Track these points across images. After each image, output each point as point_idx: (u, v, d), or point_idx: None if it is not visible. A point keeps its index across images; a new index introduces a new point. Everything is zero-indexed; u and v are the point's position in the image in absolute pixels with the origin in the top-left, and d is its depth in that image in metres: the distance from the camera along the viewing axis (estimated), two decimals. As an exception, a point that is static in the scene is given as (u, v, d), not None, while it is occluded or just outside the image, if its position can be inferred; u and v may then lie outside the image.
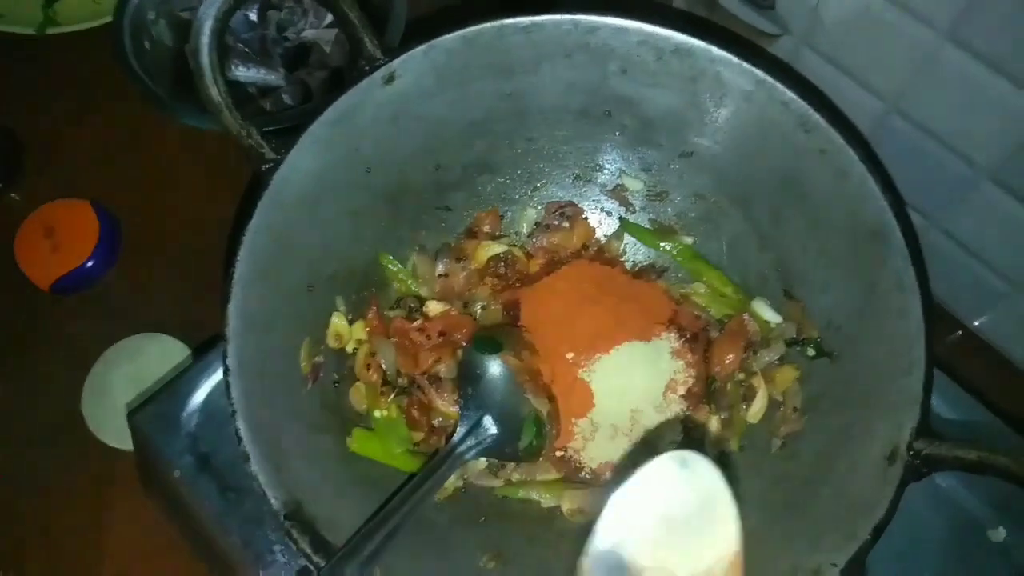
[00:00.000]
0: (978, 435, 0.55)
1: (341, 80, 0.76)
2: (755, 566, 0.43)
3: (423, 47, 0.51)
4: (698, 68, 0.52)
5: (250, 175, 0.49)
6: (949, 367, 0.57)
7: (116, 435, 0.67)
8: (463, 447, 0.48)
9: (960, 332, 0.68)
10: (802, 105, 0.50)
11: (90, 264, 0.75)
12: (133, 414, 0.60)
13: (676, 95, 0.54)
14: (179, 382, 0.60)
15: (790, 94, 0.50)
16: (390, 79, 0.51)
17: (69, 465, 0.68)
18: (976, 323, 0.67)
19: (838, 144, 0.49)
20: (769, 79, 0.50)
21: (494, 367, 0.51)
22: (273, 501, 0.41)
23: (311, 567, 0.40)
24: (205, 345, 0.67)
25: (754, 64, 0.50)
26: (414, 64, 0.51)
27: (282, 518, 0.41)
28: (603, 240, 0.60)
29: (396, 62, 0.50)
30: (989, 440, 0.48)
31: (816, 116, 0.50)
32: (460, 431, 0.48)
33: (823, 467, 0.47)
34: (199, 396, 0.59)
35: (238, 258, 0.45)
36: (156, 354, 0.70)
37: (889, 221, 0.47)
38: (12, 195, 0.80)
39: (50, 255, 0.75)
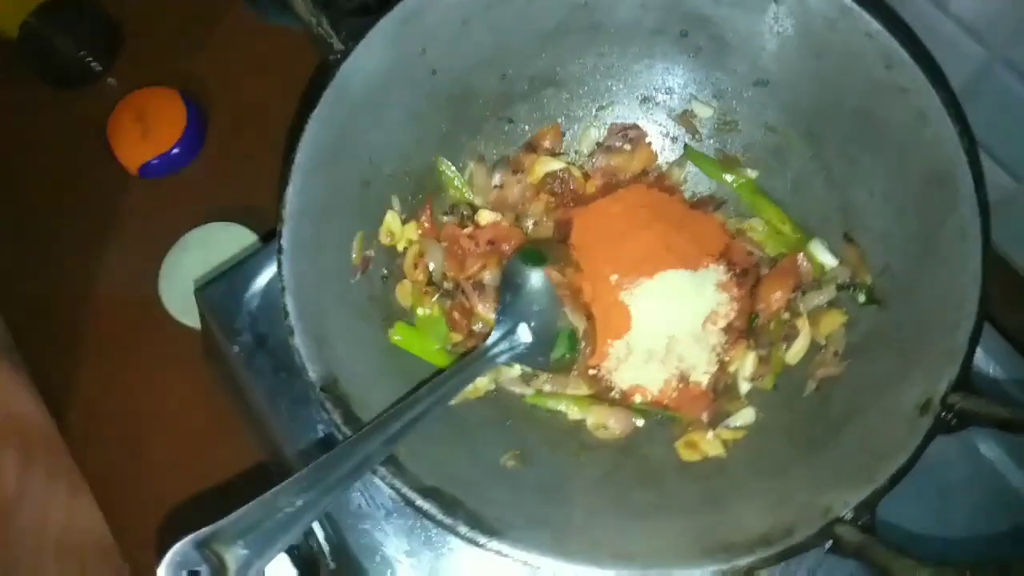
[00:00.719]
0: (1018, 395, 0.53)
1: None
2: (774, 497, 0.44)
3: (498, -51, 0.50)
4: (782, -8, 0.49)
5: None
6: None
7: (187, 314, 0.72)
8: (496, 350, 0.49)
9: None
10: (888, 38, 0.47)
11: (176, 151, 0.79)
12: (200, 290, 0.65)
13: (756, 18, 0.52)
14: (245, 264, 0.64)
15: (876, 25, 0.47)
16: (462, -20, 0.50)
17: (142, 339, 0.74)
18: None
19: (921, 83, 0.46)
20: (856, 7, 0.47)
21: (535, 278, 0.52)
22: (312, 374, 0.44)
23: (338, 436, 0.42)
24: (271, 234, 0.71)
25: (839, -11, 0.48)
26: (487, -34, 0.50)
27: (318, 390, 0.43)
28: (664, 167, 0.59)
29: (470, -37, 0.50)
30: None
31: (901, 51, 0.47)
32: (495, 335, 0.50)
33: (854, 412, 0.46)
34: (262, 280, 0.62)
35: (299, 145, 0.47)
36: (228, 241, 0.74)
37: (963, 168, 0.45)
38: (109, 80, 0.84)
39: (139, 140, 0.79)
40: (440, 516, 0.41)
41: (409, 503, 0.42)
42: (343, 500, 0.56)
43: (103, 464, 0.70)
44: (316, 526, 0.58)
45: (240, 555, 0.36)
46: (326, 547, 0.58)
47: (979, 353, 0.42)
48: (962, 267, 0.44)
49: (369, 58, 0.49)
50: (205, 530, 0.36)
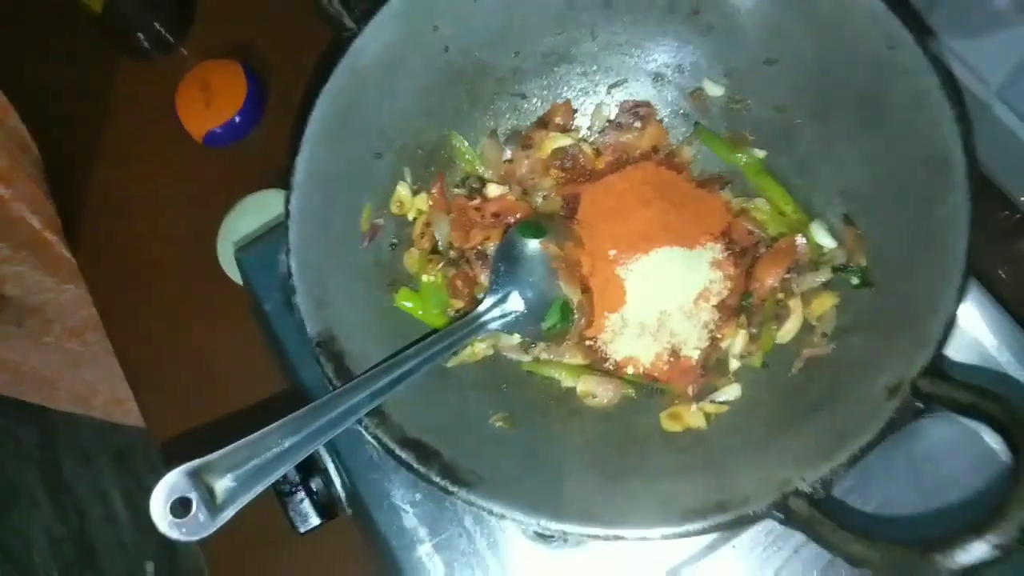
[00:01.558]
0: (993, 384, 0.51)
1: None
2: (741, 469, 0.46)
3: (508, -72, 0.52)
4: (788, -31, 0.49)
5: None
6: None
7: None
8: (487, 316, 0.52)
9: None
10: (891, 18, 0.47)
11: (238, 119, 0.84)
12: (240, 251, 0.70)
13: (764, -4, 0.52)
14: (280, 229, 0.68)
15: (881, 6, 0.47)
16: (473, -41, 0.52)
17: (199, 294, 0.80)
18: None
19: (922, 65, 0.46)
20: (859, -14, 0.47)
21: (530, 249, 0.54)
22: (309, 329, 0.48)
23: (329, 387, 0.46)
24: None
25: (845, -31, 0.47)
26: (498, -56, 0.52)
27: (313, 345, 0.47)
28: (674, 145, 0.60)
29: (480, -58, 0.52)
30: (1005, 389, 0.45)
31: (904, 32, 0.46)
32: (487, 302, 0.52)
33: (832, 393, 0.47)
34: (294, 244, 0.66)
35: (310, 118, 0.50)
36: (281, 206, 0.78)
37: (957, 153, 0.44)
38: (182, 50, 0.90)
39: (204, 110, 0.84)
40: (415, 465, 0.45)
41: (389, 452, 0.45)
42: (358, 452, 0.61)
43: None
44: (334, 474, 0.63)
45: (228, 487, 0.41)
46: (342, 494, 0.63)
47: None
48: (949, 253, 0.43)
49: (380, 35, 0.52)
50: (197, 461, 0.40)
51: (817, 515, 0.39)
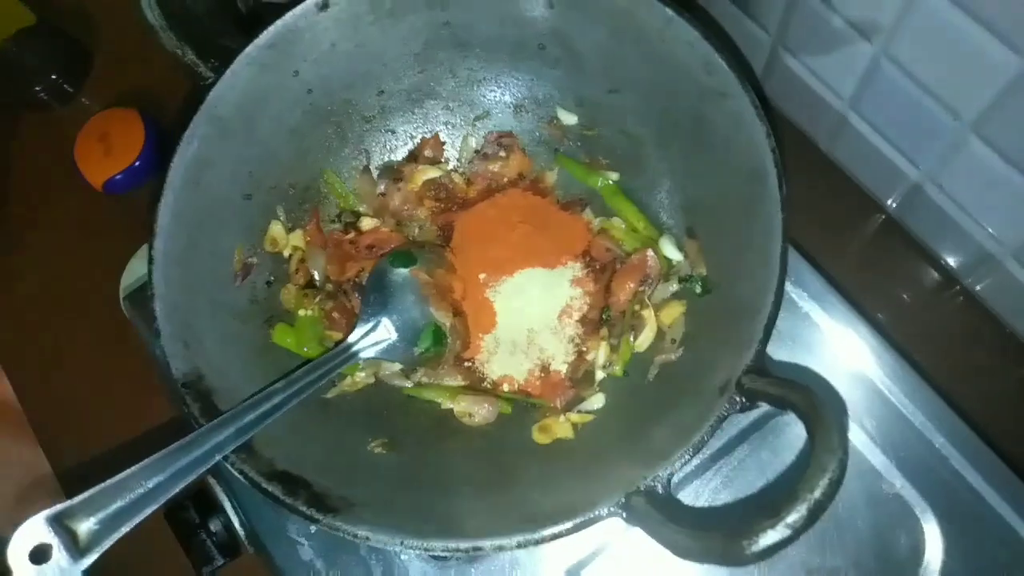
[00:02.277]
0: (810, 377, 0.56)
1: None
2: (596, 474, 0.48)
3: (354, -25, 0.54)
4: (617, 5, 0.53)
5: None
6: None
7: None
8: (357, 346, 0.54)
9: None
10: (705, 46, 0.51)
11: (137, 165, 0.84)
12: (127, 297, 0.70)
13: (600, 31, 0.55)
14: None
15: (695, 33, 0.51)
16: (324, 6, 0.55)
17: (103, 340, 0.79)
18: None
19: (735, 88, 0.50)
20: (677, 17, 0.51)
21: (399, 278, 0.56)
22: (174, 370, 0.49)
23: (194, 425, 0.47)
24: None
25: (664, 3, 0.51)
26: (346, -7, 0.55)
27: (179, 385, 0.48)
28: (538, 171, 0.63)
29: (328, -10, 0.54)
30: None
31: (718, 59, 0.50)
32: (356, 332, 0.54)
33: (679, 396, 0.50)
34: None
35: (171, 165, 0.52)
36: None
37: (768, 165, 0.48)
38: (82, 99, 0.91)
39: (103, 158, 0.84)
40: (281, 496, 0.46)
41: (255, 485, 0.46)
42: (251, 491, 0.62)
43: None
44: (232, 513, 0.63)
45: (92, 530, 0.41)
46: (242, 532, 0.63)
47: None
48: (767, 259, 0.47)
49: (237, 82, 0.54)
50: (57, 507, 0.41)
51: (653, 511, 0.42)
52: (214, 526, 0.63)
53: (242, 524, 0.63)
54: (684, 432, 0.45)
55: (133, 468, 0.44)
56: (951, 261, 0.64)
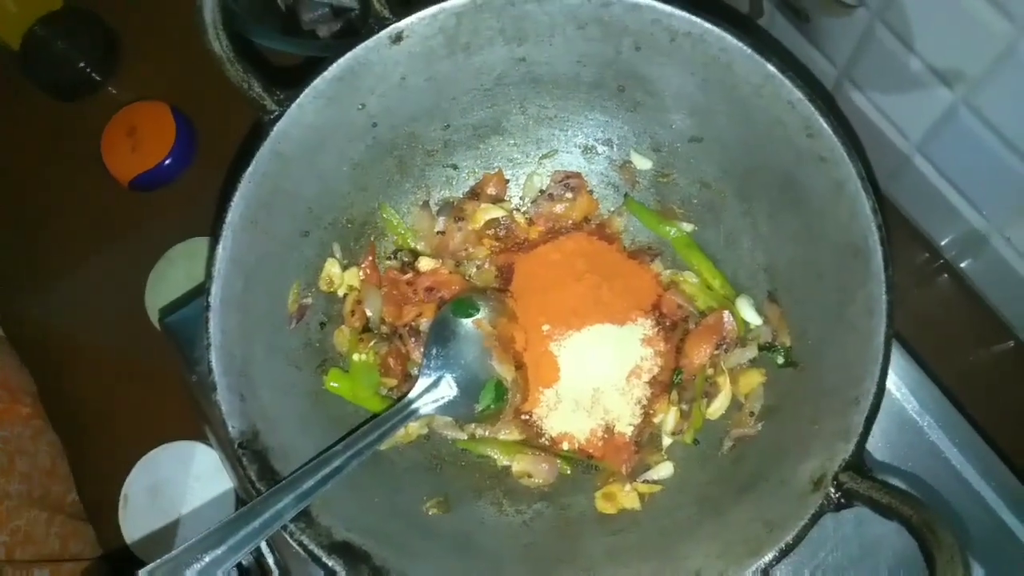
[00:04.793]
0: (910, 480, 0.53)
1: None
2: (666, 557, 0.46)
3: (432, 9, 0.51)
4: (710, 55, 0.50)
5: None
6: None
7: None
8: (417, 403, 0.51)
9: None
10: (808, 107, 0.47)
11: (165, 164, 0.81)
12: (163, 315, 0.67)
13: (689, 78, 0.52)
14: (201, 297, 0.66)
15: (798, 94, 0.48)
16: (397, 39, 0.52)
17: (128, 349, 0.77)
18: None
19: (838, 154, 0.47)
20: (779, 75, 0.48)
21: (464, 329, 0.53)
22: (231, 429, 0.46)
23: (253, 491, 0.45)
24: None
25: (766, 58, 0.48)
26: (422, 26, 0.51)
27: (236, 445, 0.46)
28: (605, 215, 0.60)
29: (403, 22, 0.51)
30: (921, 485, 0.47)
31: (820, 121, 0.47)
32: (417, 388, 0.52)
33: (759, 478, 0.47)
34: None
35: (231, 204, 0.49)
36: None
37: (873, 243, 0.45)
38: (110, 89, 0.87)
39: (130, 154, 0.81)
40: (344, 574, 0.43)
41: (315, 560, 0.44)
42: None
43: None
44: (267, 552, 0.61)
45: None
46: (275, 571, 0.61)
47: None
48: (867, 343, 0.44)
49: (304, 117, 0.51)
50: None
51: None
52: (245, 560, 0.61)
53: (277, 563, 0.61)
54: (773, 526, 0.43)
55: (188, 543, 0.41)
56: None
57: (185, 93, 0.82)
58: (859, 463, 0.42)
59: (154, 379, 0.74)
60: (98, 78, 0.85)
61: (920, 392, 0.57)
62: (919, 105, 0.56)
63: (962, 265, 0.65)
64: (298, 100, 0.50)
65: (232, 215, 0.49)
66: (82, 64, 0.84)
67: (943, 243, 0.65)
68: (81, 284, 0.81)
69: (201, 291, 0.67)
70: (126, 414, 0.76)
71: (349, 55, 0.51)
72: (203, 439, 0.70)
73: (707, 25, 0.49)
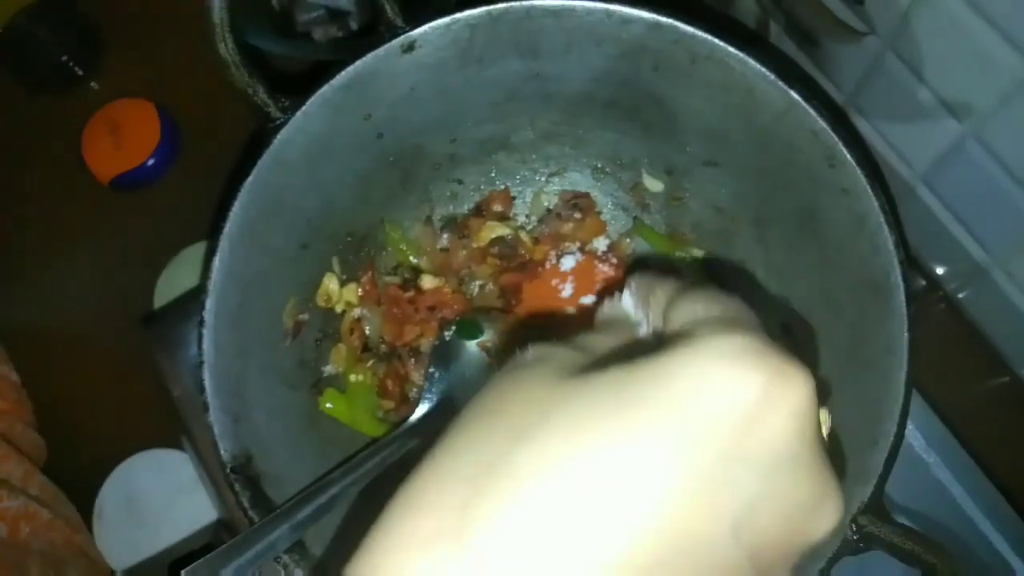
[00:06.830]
0: (928, 523, 0.52)
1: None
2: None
3: (446, 19, 0.49)
4: (731, 79, 0.48)
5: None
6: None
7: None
8: (420, 428, 0.49)
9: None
10: (831, 137, 0.46)
11: (150, 163, 0.78)
12: (147, 324, 0.64)
13: (707, 102, 0.51)
14: (189, 304, 0.63)
15: (821, 123, 0.46)
16: (409, 48, 0.50)
17: (107, 352, 0.74)
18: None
19: (861, 186, 0.46)
20: (802, 103, 0.47)
21: (467, 353, 0.51)
22: (223, 453, 0.43)
23: (245, 519, 0.42)
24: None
25: (789, 85, 0.47)
26: (435, 36, 0.50)
27: (228, 470, 0.43)
28: (614, 238, 0.59)
29: (416, 32, 0.49)
30: (939, 528, 0.46)
31: (844, 152, 0.46)
32: (418, 413, 0.50)
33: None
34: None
35: (230, 214, 0.46)
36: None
37: (895, 279, 0.44)
38: (93, 84, 0.84)
39: (112, 152, 0.79)
40: (339, 610, 0.41)
41: (309, 594, 0.41)
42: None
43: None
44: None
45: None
46: None
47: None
48: (886, 382, 0.43)
49: (309, 125, 0.48)
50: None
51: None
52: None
53: None
54: (787, 568, 0.41)
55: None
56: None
57: (169, 90, 0.79)
58: (879, 506, 0.41)
59: (131, 383, 0.71)
60: (80, 72, 0.82)
61: (927, 429, 0.56)
62: (926, 136, 0.56)
63: (960, 296, 0.65)
64: (304, 108, 0.48)
65: (230, 226, 0.46)
66: (64, 58, 0.81)
67: (942, 274, 0.65)
68: (56, 283, 0.78)
69: (183, 302, 0.65)
70: (101, 420, 0.73)
71: (358, 63, 0.49)
72: (181, 448, 0.67)
73: (730, 49, 0.48)
